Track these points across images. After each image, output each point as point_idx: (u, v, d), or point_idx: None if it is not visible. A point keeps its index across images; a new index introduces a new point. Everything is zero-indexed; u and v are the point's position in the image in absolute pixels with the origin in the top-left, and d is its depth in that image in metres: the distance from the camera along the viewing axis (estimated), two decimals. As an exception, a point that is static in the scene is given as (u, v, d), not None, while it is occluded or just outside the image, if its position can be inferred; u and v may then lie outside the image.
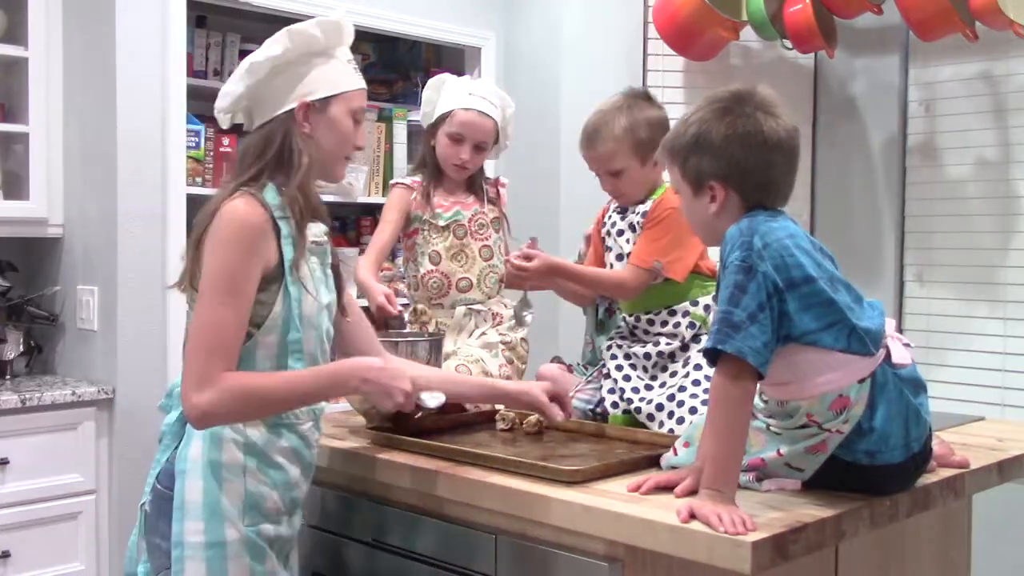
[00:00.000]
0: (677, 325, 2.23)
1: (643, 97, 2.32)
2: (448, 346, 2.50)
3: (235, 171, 1.86)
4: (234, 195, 1.78)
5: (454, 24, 3.96)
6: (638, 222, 2.29)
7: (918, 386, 1.70)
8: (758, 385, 1.65)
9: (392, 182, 2.72)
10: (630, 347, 2.27)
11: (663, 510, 1.59)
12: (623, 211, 2.35)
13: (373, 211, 4.17)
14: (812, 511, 1.60)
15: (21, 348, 3.27)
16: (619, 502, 1.64)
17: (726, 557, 1.47)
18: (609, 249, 2.38)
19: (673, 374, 2.20)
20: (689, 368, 2.19)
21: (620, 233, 2.34)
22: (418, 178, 2.64)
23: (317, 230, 1.92)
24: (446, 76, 2.66)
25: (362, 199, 3.87)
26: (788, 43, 3.56)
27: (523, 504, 1.73)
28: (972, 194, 3.44)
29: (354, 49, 1.98)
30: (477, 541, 1.84)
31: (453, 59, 4.25)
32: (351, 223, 4.22)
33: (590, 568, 1.66)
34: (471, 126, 2.55)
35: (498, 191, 2.70)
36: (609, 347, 2.31)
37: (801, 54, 3.69)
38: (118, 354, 3.10)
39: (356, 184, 3.80)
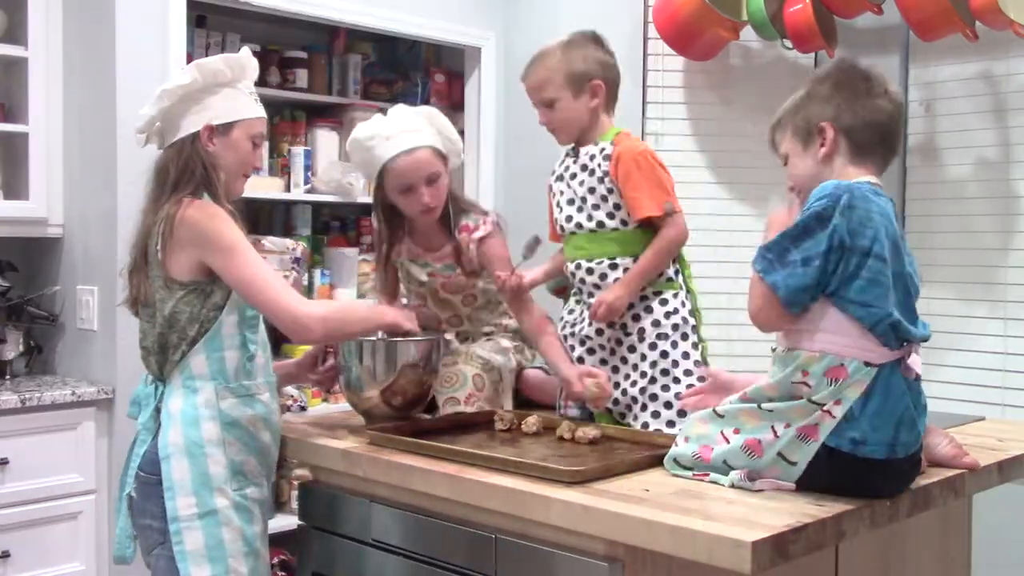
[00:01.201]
0: (616, 281, 2.19)
1: (591, 37, 2.32)
2: (460, 353, 2.47)
3: (161, 185, 2.11)
4: (185, 202, 2.05)
5: (454, 24, 3.96)
6: (599, 166, 2.21)
7: (921, 405, 1.73)
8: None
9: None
10: (582, 330, 2.24)
11: (663, 510, 1.59)
12: (575, 152, 2.29)
13: (373, 212, 4.17)
14: (812, 511, 1.60)
15: (21, 348, 3.27)
16: (619, 502, 1.64)
17: (726, 557, 1.47)
18: (559, 194, 2.30)
19: (640, 355, 2.17)
20: (651, 353, 2.17)
21: (573, 176, 2.26)
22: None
23: None
24: (358, 133, 2.41)
25: (362, 199, 3.88)
26: (788, 43, 3.56)
27: (523, 504, 1.73)
28: (972, 194, 3.44)
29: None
30: (477, 541, 1.84)
31: (453, 59, 4.25)
32: (351, 223, 4.23)
33: (590, 568, 1.66)
34: (410, 170, 2.34)
35: (469, 246, 2.41)
36: (566, 338, 2.28)
37: (801, 54, 3.69)
38: (118, 354, 3.10)
39: (356, 184, 3.81)
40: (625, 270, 2.19)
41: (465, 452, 1.93)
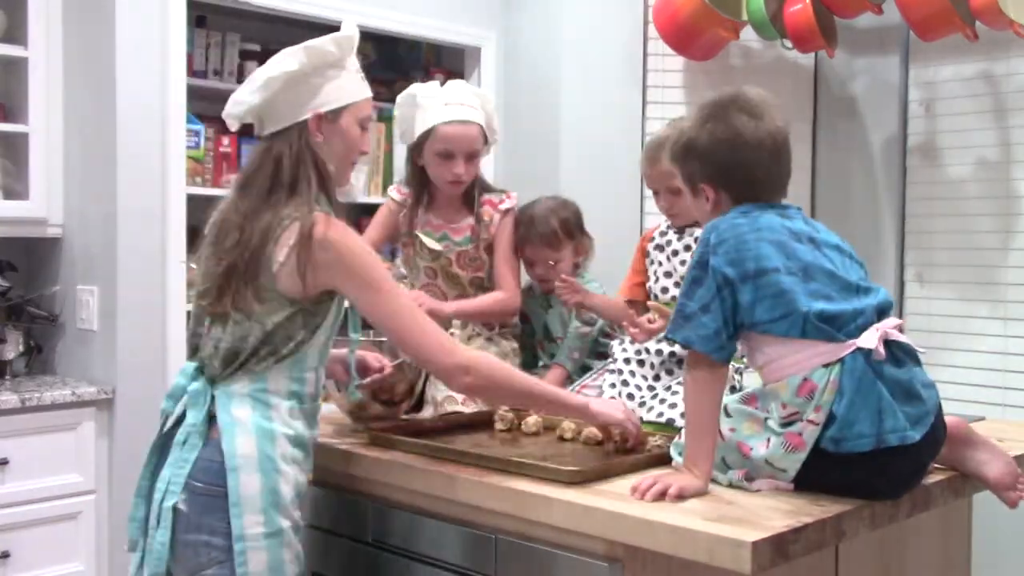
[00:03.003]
0: None
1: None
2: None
3: (273, 181, 1.90)
4: (320, 218, 1.86)
5: (454, 24, 3.96)
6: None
7: (908, 393, 1.68)
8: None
9: (390, 189, 2.67)
10: (643, 343, 2.26)
11: (663, 510, 1.59)
12: (680, 231, 2.35)
13: (373, 211, 4.15)
14: (812, 511, 1.60)
15: (21, 348, 3.27)
16: (619, 502, 1.64)
17: (726, 557, 1.47)
18: (657, 264, 2.36)
19: (677, 379, 2.20)
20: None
21: (675, 253, 2.34)
22: (407, 190, 2.59)
23: None
24: (415, 90, 2.52)
25: (362, 199, 3.88)
26: (788, 43, 3.56)
27: (523, 504, 1.73)
28: (972, 194, 3.44)
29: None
30: (477, 541, 1.84)
31: (453, 59, 4.25)
32: (352, 223, 4.22)
33: (590, 568, 1.66)
34: (458, 140, 2.44)
35: (492, 216, 2.54)
36: (621, 342, 2.31)
37: (801, 54, 3.69)
38: (118, 354, 3.10)
39: (356, 184, 3.80)
40: None
41: (465, 452, 1.93)
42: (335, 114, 1.94)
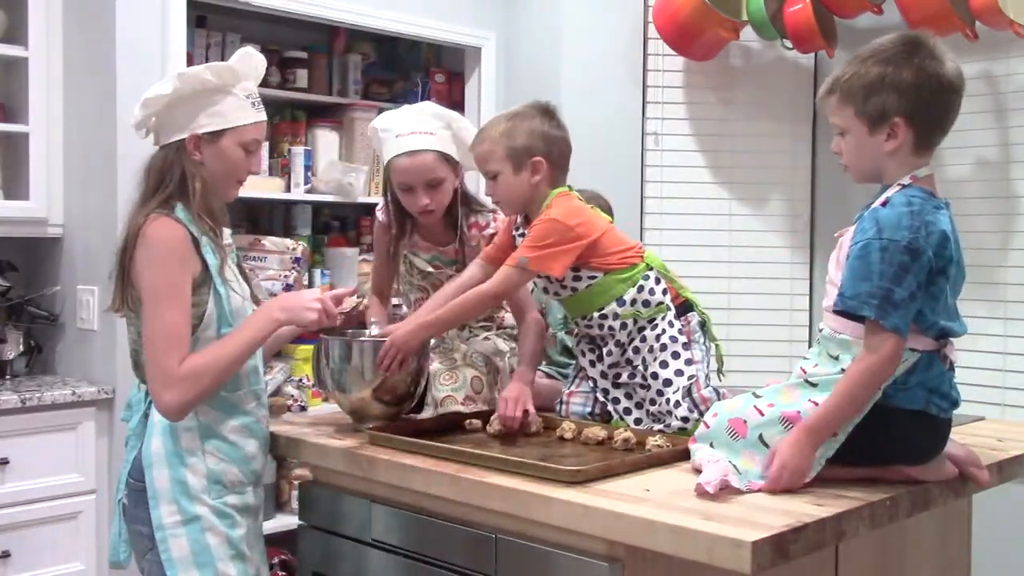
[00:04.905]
0: (612, 329, 2.18)
1: (540, 110, 2.22)
2: (459, 350, 2.47)
3: (143, 192, 2.12)
4: (150, 218, 2.03)
5: (454, 24, 3.96)
6: None
7: (956, 390, 1.81)
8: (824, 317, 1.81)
9: (377, 210, 2.61)
10: (593, 354, 2.25)
11: (663, 510, 1.59)
12: (527, 227, 2.24)
13: (373, 211, 4.17)
14: (812, 511, 1.60)
15: (21, 348, 3.27)
16: (619, 502, 1.64)
17: (726, 557, 1.47)
18: None
19: (632, 375, 2.19)
20: (644, 370, 2.18)
21: None
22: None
23: (225, 234, 2.17)
24: (377, 122, 2.48)
25: (362, 199, 3.87)
26: (788, 43, 3.57)
27: (523, 504, 1.73)
28: (972, 194, 3.44)
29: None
30: (477, 541, 1.84)
31: (453, 59, 4.25)
32: (351, 223, 4.22)
33: (590, 568, 1.66)
34: (410, 173, 2.37)
35: (480, 241, 2.46)
36: (579, 345, 2.28)
37: (801, 54, 3.69)
38: (118, 354, 3.10)
39: (356, 184, 3.80)
40: (615, 316, 2.17)
41: (465, 452, 1.93)
42: (214, 136, 2.10)
